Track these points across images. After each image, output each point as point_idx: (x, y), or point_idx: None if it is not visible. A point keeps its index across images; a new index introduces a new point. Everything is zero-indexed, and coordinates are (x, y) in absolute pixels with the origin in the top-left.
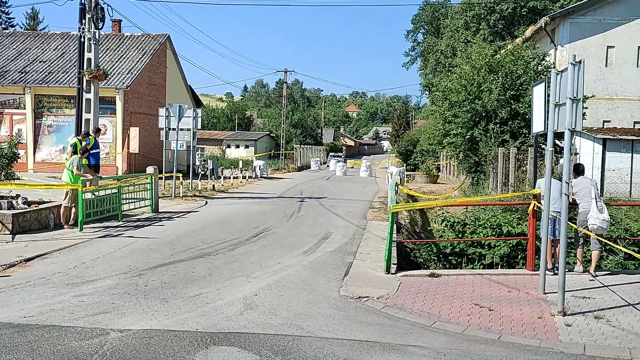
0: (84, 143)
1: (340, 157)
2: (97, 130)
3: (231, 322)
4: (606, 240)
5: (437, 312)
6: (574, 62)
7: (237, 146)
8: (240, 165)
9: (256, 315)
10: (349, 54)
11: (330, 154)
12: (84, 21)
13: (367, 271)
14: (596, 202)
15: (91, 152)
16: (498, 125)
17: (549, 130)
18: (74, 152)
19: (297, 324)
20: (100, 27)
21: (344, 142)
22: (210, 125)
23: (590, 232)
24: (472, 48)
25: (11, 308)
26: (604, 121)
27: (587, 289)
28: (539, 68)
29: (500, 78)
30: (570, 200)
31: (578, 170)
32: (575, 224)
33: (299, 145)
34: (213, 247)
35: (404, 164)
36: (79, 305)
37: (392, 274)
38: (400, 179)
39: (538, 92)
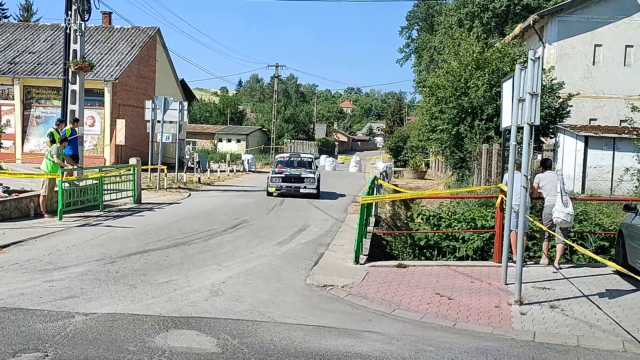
0: (61, 132)
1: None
2: (75, 120)
3: (195, 308)
4: (566, 240)
5: (398, 301)
6: (533, 58)
7: (229, 140)
8: (228, 159)
9: (221, 302)
10: (345, 50)
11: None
12: (70, 12)
13: (337, 262)
14: (561, 196)
15: (68, 140)
16: (484, 122)
17: (512, 125)
18: (52, 141)
19: (259, 310)
20: (86, 18)
21: (337, 138)
22: (203, 119)
23: (555, 225)
24: (460, 45)
25: None
26: (591, 119)
27: (549, 280)
28: (526, 65)
29: (486, 75)
30: (535, 194)
31: (545, 164)
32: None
33: (289, 140)
34: (189, 237)
35: (395, 160)
36: (48, 290)
37: (361, 264)
38: (387, 174)
39: (507, 87)
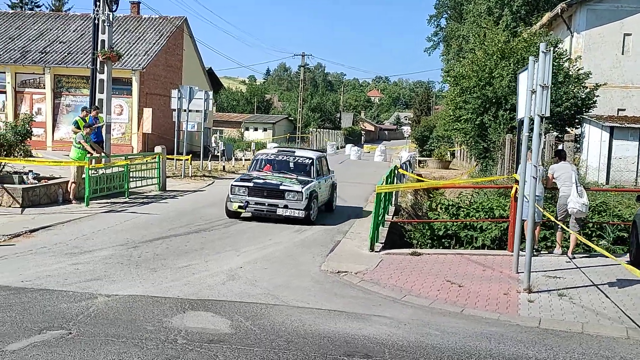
0: (87, 119)
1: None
2: (96, 108)
3: (212, 291)
4: (573, 232)
5: (409, 287)
6: (544, 51)
7: (255, 129)
8: (253, 147)
9: (237, 286)
10: (373, 38)
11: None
12: (98, 3)
13: (353, 249)
14: (576, 186)
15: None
16: (508, 112)
17: (525, 116)
18: (78, 128)
19: (273, 294)
20: (114, 9)
21: (364, 127)
22: (230, 107)
23: (570, 215)
24: (485, 34)
25: (11, 273)
26: (619, 109)
27: (561, 269)
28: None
29: (512, 64)
30: (549, 185)
31: (560, 155)
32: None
33: (315, 129)
34: (210, 224)
35: (420, 150)
36: (73, 272)
37: (376, 252)
38: (411, 164)
39: (523, 78)
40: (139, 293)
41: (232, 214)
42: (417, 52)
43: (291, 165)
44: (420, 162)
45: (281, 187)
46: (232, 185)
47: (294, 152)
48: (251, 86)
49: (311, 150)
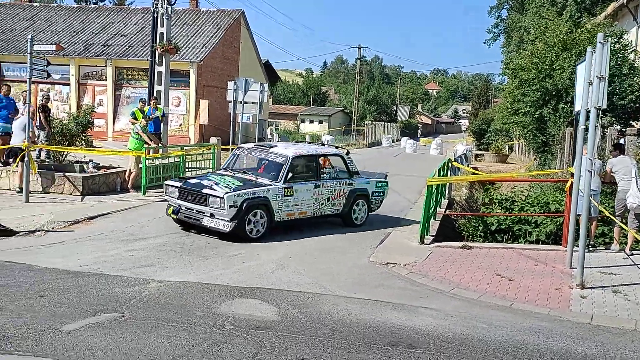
0: (145, 110)
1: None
2: (154, 99)
3: (261, 279)
4: (623, 226)
5: (457, 280)
6: (602, 41)
7: (311, 121)
8: (307, 140)
9: (285, 275)
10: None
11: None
12: None
13: (403, 241)
14: (636, 181)
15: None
16: (568, 105)
17: (582, 109)
18: (135, 119)
19: (321, 284)
20: (173, 2)
21: (420, 120)
22: (287, 100)
23: (629, 210)
24: (547, 25)
25: (70, 258)
26: None
27: (617, 266)
28: (616, 46)
29: (574, 56)
30: (608, 179)
31: (619, 148)
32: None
33: (370, 122)
34: None
35: (477, 143)
36: (128, 258)
37: (426, 244)
38: (467, 157)
39: (580, 70)
40: (189, 280)
41: (175, 220)
42: (477, 44)
43: (264, 163)
44: (477, 155)
45: (203, 191)
46: (164, 184)
47: (269, 148)
48: (307, 79)
49: (306, 144)
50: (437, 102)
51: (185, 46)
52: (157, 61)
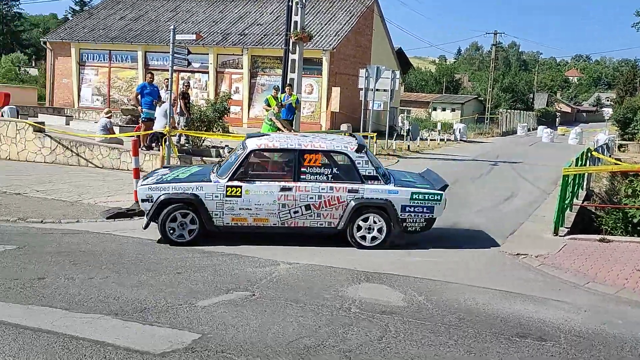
0: (280, 98)
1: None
2: (289, 86)
3: (389, 266)
4: None
5: (593, 274)
6: None
7: (443, 109)
8: (439, 128)
9: (413, 262)
10: (573, 15)
11: None
12: None
13: (535, 232)
14: None
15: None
16: None
17: None
18: (269, 106)
19: (449, 272)
20: None
21: (559, 108)
22: (419, 87)
23: None
24: None
25: (205, 238)
26: None
27: None
28: None
29: None
30: None
31: None
32: None
33: (504, 110)
34: None
35: (621, 133)
36: (258, 240)
37: (560, 236)
38: (609, 147)
39: None
40: (318, 263)
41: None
42: (624, 28)
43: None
44: (620, 146)
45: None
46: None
47: (248, 138)
48: (441, 66)
49: (314, 135)
50: (577, 90)
51: (318, 34)
52: (290, 49)
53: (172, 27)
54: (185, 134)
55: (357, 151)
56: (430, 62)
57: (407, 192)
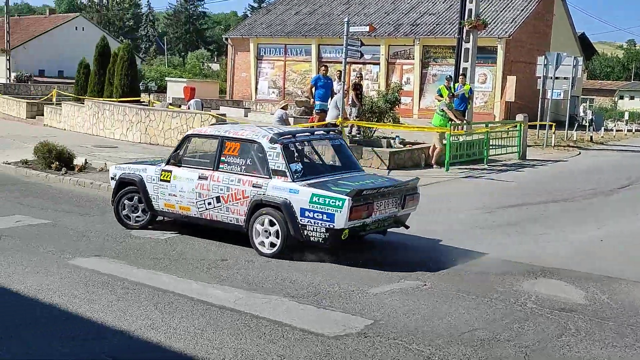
0: (453, 88)
1: None
2: (463, 76)
3: (566, 260)
4: None
5: None
6: None
7: (632, 97)
8: (626, 117)
9: (593, 259)
10: None
11: None
12: None
13: None
14: None
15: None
16: None
17: None
18: (441, 96)
19: (635, 272)
20: None
21: None
22: (603, 75)
23: None
24: None
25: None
26: None
27: None
28: None
29: None
30: None
31: None
32: None
33: None
34: (570, 194)
35: None
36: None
37: None
38: None
39: None
40: (492, 255)
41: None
42: None
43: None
44: None
45: None
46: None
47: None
48: (629, 51)
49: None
50: None
51: (493, 21)
52: (464, 38)
53: (345, 19)
54: (356, 125)
55: (270, 141)
56: (616, 47)
57: (307, 192)
